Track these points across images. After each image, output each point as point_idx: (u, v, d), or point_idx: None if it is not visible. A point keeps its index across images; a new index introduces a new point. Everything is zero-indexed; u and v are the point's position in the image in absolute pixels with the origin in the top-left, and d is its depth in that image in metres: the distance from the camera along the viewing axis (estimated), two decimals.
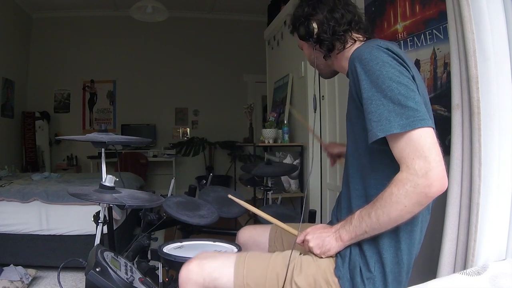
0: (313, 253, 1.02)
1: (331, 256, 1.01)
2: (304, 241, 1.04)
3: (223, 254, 1.10)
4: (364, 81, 0.90)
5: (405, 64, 0.91)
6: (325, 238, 1.00)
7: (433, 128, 0.86)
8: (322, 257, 1.01)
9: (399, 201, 0.84)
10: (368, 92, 0.89)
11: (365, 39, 1.11)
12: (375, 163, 0.98)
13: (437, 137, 0.86)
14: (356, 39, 1.10)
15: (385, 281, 0.96)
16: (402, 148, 0.85)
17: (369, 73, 0.90)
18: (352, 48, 1.08)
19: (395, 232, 0.95)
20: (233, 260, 1.05)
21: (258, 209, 1.23)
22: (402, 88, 0.86)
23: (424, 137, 0.83)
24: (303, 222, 1.67)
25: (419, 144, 0.83)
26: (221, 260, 1.06)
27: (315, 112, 1.35)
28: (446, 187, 0.84)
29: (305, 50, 1.21)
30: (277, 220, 1.15)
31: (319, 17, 1.09)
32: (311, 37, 1.11)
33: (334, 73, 1.22)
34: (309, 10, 1.10)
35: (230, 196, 1.27)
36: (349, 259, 0.99)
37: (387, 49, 0.92)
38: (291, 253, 1.03)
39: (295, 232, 1.11)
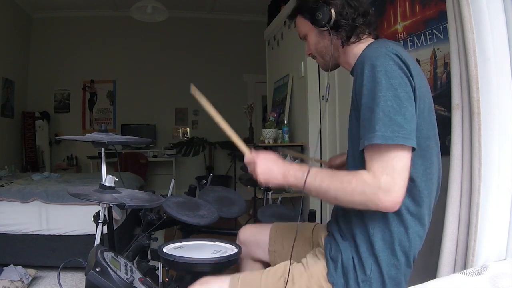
0: (256, 176, 1.00)
1: (272, 186, 1.00)
2: (253, 163, 1.02)
3: (218, 278, 1.10)
4: (365, 87, 0.90)
5: (409, 74, 0.90)
6: (274, 167, 0.99)
7: (414, 149, 0.86)
8: (261, 184, 1.00)
9: (353, 195, 0.86)
10: (365, 98, 0.89)
11: (372, 36, 1.10)
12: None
13: (438, 136, 0.86)
14: (369, 34, 1.08)
15: (383, 283, 0.95)
16: (375, 159, 0.85)
17: (371, 79, 0.89)
18: (361, 44, 1.06)
19: (389, 234, 0.95)
20: (227, 283, 1.05)
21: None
22: (396, 102, 0.85)
23: (399, 158, 0.84)
24: (303, 222, 1.68)
25: (392, 163, 0.83)
26: (217, 285, 1.06)
27: (326, 101, 1.33)
28: (395, 210, 0.86)
29: (311, 38, 1.14)
30: (229, 129, 1.10)
31: (337, 2, 1.05)
32: (328, 22, 1.06)
33: (335, 67, 1.18)
34: None
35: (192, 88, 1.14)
36: (341, 264, 0.99)
37: (396, 55, 0.90)
38: (290, 266, 1.02)
39: (246, 150, 1.08)
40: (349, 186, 0.86)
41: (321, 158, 3.07)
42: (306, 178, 0.93)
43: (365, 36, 1.08)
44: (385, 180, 0.82)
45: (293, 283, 1.00)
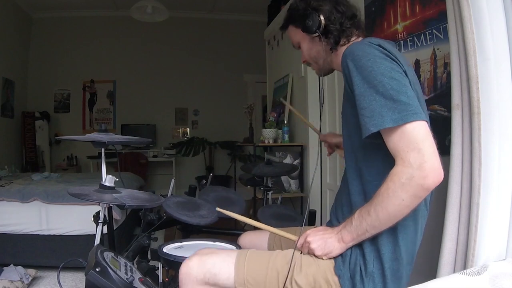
0: (315, 255, 1.01)
1: (332, 258, 1.01)
2: (304, 243, 1.03)
3: (224, 251, 1.10)
4: (356, 78, 0.91)
5: (396, 60, 0.92)
6: (327, 239, 1.00)
7: (426, 122, 0.86)
8: (323, 259, 1.01)
9: (396, 195, 0.84)
10: (360, 88, 0.90)
11: (363, 36, 1.12)
12: (369, 158, 0.98)
13: (433, 135, 0.87)
14: (359, 34, 1.11)
15: (384, 278, 0.96)
16: (396, 141, 0.85)
17: (361, 70, 0.90)
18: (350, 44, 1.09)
19: (392, 228, 0.95)
20: (234, 257, 1.05)
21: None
22: (394, 83, 0.86)
23: (417, 130, 0.84)
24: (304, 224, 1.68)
25: (413, 137, 0.83)
26: (221, 257, 1.06)
27: (321, 105, 1.39)
28: (442, 177, 0.83)
29: (304, 45, 1.18)
30: (273, 228, 1.14)
31: (326, 9, 1.09)
32: (319, 28, 1.09)
33: (330, 71, 1.22)
34: (314, 3, 1.10)
35: (218, 209, 1.20)
36: (349, 258, 0.99)
37: (379, 45, 0.93)
38: (293, 251, 1.03)
39: (293, 237, 1.09)
40: (389, 191, 0.85)
41: (321, 160, 3.07)
42: (348, 231, 0.95)
43: (354, 38, 1.11)
44: (413, 157, 0.82)
45: (300, 269, 1.01)
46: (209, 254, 1.06)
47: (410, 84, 0.91)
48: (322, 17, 1.08)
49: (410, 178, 0.82)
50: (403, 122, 0.84)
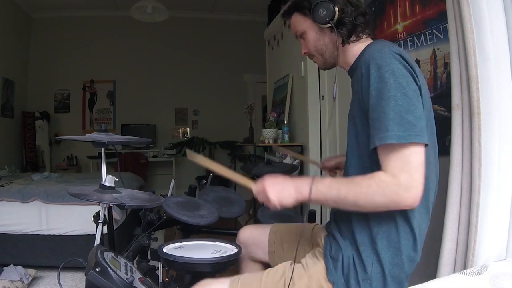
0: (270, 203, 0.97)
1: (288, 207, 0.97)
2: (261, 189, 0.99)
3: (218, 280, 1.10)
4: (372, 87, 0.91)
5: (414, 73, 0.92)
6: (284, 185, 0.97)
7: (426, 144, 0.87)
8: (277, 208, 0.96)
9: (374, 198, 0.87)
10: (374, 98, 0.90)
11: (370, 37, 1.11)
12: (376, 166, 0.97)
13: (436, 137, 0.88)
14: (368, 34, 1.10)
15: (384, 282, 0.95)
16: (392, 158, 0.86)
17: (378, 79, 0.90)
18: (360, 44, 1.07)
19: (394, 234, 0.95)
20: (227, 285, 1.05)
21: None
22: (405, 101, 0.87)
23: (415, 154, 0.85)
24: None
25: (409, 160, 0.85)
26: (217, 287, 1.07)
27: (334, 100, 1.42)
28: (416, 206, 0.86)
29: (311, 36, 1.12)
30: (230, 172, 1.09)
31: (341, 1, 1.06)
32: (332, 19, 1.05)
33: (332, 66, 1.17)
34: None
35: (187, 150, 1.17)
36: (341, 263, 0.99)
37: (400, 55, 0.92)
38: (293, 267, 1.02)
39: (251, 183, 1.05)
40: (369, 189, 0.87)
41: (321, 159, 3.07)
42: (311, 189, 0.92)
43: (364, 36, 1.09)
44: (404, 177, 0.84)
45: (293, 284, 1.00)
46: (206, 286, 1.07)
47: (422, 100, 0.91)
48: (337, 8, 1.04)
49: (395, 194, 0.84)
50: (405, 142, 0.84)
